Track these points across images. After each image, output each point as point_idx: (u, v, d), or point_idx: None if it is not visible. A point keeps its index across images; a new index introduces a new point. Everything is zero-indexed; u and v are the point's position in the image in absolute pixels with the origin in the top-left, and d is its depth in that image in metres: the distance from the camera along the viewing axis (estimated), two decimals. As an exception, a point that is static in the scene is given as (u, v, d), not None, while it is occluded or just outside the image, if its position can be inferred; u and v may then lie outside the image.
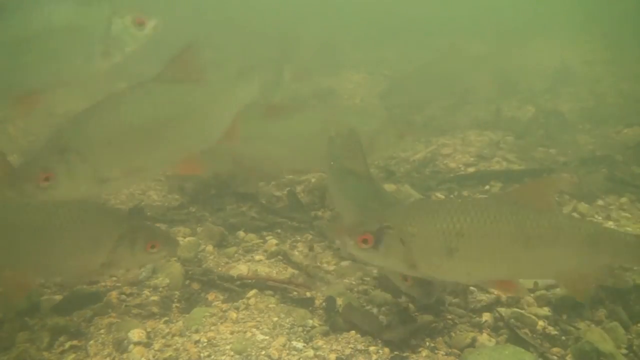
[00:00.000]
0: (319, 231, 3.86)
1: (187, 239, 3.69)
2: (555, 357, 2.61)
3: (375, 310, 2.95)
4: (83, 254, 2.61)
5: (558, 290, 3.06)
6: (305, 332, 2.75)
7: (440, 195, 4.52)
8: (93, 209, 2.74)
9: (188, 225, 3.92)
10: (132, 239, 2.64)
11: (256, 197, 4.38)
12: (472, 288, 3.12)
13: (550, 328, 2.83)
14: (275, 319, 2.85)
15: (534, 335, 2.78)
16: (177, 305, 3.02)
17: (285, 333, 2.74)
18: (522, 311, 2.91)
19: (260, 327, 2.78)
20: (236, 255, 3.56)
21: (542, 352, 2.63)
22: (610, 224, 3.92)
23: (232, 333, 2.72)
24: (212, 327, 2.77)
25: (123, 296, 3.07)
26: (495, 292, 3.08)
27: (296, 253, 3.57)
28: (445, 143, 5.92)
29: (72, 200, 2.63)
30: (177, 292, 3.13)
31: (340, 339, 2.70)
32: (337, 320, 2.80)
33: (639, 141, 5.50)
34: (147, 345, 2.63)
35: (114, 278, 3.24)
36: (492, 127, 6.56)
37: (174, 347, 2.61)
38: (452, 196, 4.54)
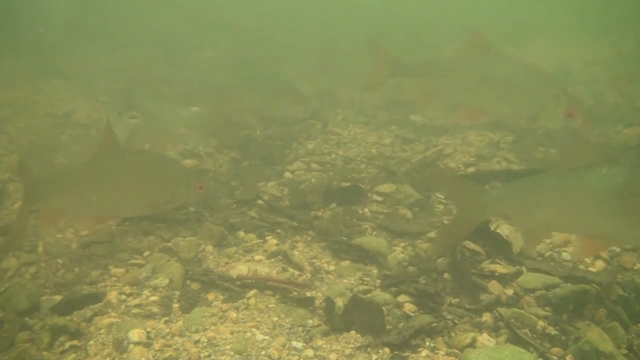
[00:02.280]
0: (319, 231, 3.86)
1: (187, 239, 3.69)
2: (555, 357, 2.61)
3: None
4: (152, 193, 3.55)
5: (558, 290, 3.07)
6: (305, 332, 2.75)
7: (440, 196, 4.52)
8: (163, 160, 3.88)
9: (188, 225, 3.92)
10: (188, 182, 3.58)
11: (256, 198, 4.39)
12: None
13: (550, 328, 2.83)
14: (275, 319, 2.85)
15: (534, 335, 2.78)
16: (177, 305, 3.02)
17: (285, 333, 2.74)
18: (522, 311, 2.91)
19: (260, 327, 2.78)
20: (236, 255, 3.56)
21: (542, 352, 2.63)
22: (610, 224, 3.92)
23: (232, 333, 2.72)
24: (212, 327, 2.77)
25: (123, 296, 3.07)
26: (495, 292, 3.09)
27: (296, 253, 3.58)
28: (445, 143, 5.93)
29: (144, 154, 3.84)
30: (177, 292, 3.13)
31: (340, 339, 2.70)
32: (337, 320, 2.80)
33: (639, 141, 5.51)
34: (147, 345, 2.63)
35: (114, 278, 3.25)
36: (492, 127, 6.56)
37: (174, 347, 2.62)
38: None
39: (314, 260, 3.53)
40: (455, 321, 2.85)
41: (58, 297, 3.02)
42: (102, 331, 2.75)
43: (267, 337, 2.69)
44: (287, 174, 5.07)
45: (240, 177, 4.95)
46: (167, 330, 2.76)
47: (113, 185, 3.46)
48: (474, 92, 4.02)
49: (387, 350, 2.60)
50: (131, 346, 2.60)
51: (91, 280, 3.21)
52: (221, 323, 2.82)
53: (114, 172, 3.48)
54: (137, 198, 3.54)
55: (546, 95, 3.80)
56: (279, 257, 3.54)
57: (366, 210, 4.28)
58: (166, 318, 2.88)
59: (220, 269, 3.39)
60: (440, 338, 2.74)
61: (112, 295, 3.05)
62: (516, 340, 2.71)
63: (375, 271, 3.39)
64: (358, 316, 2.77)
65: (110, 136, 3.41)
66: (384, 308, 2.96)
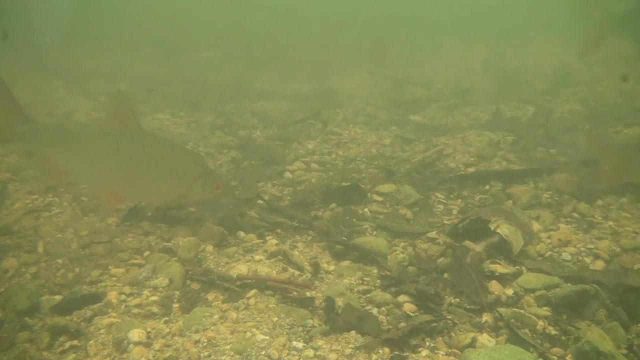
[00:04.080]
0: (319, 231, 3.86)
1: (187, 239, 3.69)
2: (555, 357, 2.61)
3: (375, 311, 2.96)
4: (168, 183, 3.48)
5: (558, 290, 3.07)
6: (305, 332, 2.75)
7: (440, 196, 4.52)
8: (183, 150, 3.68)
9: (188, 225, 3.92)
10: (205, 180, 3.51)
11: (256, 198, 4.38)
12: (472, 288, 3.13)
13: (550, 328, 2.83)
14: (275, 319, 2.85)
15: (534, 335, 2.78)
16: (177, 305, 3.02)
17: (285, 333, 2.74)
18: (522, 311, 2.91)
19: (260, 327, 2.78)
20: (236, 255, 3.56)
21: (542, 352, 2.63)
22: (610, 224, 3.92)
23: (232, 333, 2.72)
24: (212, 327, 2.77)
25: (123, 296, 3.07)
26: (495, 292, 3.08)
27: (296, 253, 3.57)
28: (445, 143, 5.93)
29: (168, 142, 3.57)
30: (177, 292, 3.13)
31: (340, 339, 2.70)
32: (337, 320, 2.80)
33: (639, 141, 5.51)
34: (147, 345, 2.63)
35: (114, 278, 3.25)
36: (492, 127, 6.56)
37: (174, 347, 2.62)
38: (452, 196, 4.54)
39: (314, 260, 3.52)
40: (455, 321, 2.86)
41: (58, 297, 3.02)
42: (102, 331, 2.75)
43: (267, 337, 2.69)
44: (287, 174, 5.07)
45: (240, 177, 4.96)
46: (167, 330, 2.76)
47: (127, 165, 3.35)
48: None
49: (387, 350, 2.60)
50: (131, 346, 2.60)
51: (91, 280, 3.21)
52: (221, 323, 2.82)
53: (131, 152, 3.35)
54: (150, 184, 3.42)
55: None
56: (279, 257, 3.54)
57: (366, 210, 4.28)
58: (166, 318, 2.88)
59: (220, 269, 3.39)
60: (440, 338, 2.74)
61: (112, 295, 3.05)
62: (516, 340, 2.71)
63: (375, 271, 3.39)
64: (353, 323, 2.78)
65: (129, 114, 3.25)
66: (383, 308, 2.97)
